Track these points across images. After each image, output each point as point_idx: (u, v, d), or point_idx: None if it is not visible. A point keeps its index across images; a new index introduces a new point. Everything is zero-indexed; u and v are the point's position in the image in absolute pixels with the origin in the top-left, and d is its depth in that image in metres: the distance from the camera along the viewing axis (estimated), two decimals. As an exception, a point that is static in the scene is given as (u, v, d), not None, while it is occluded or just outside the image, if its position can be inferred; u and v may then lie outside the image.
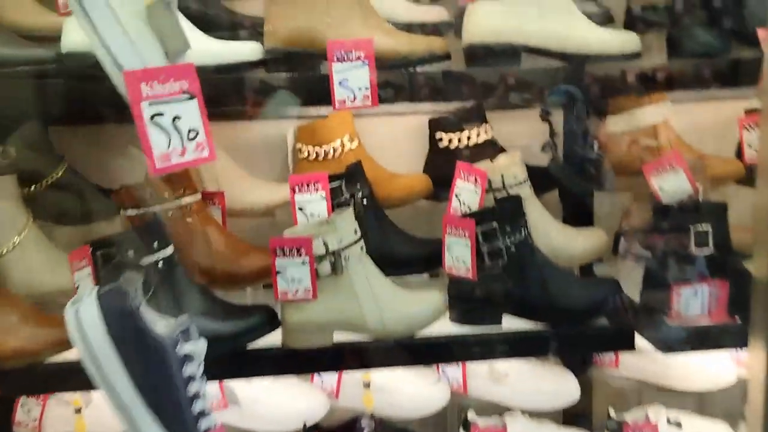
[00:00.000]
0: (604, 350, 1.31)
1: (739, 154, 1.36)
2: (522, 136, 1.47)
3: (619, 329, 1.09)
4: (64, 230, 1.21)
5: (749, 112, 1.40)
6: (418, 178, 1.31)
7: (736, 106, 1.40)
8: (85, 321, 0.67)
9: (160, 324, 0.74)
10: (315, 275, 0.98)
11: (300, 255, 0.97)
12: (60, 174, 1.16)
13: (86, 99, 0.97)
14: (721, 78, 1.11)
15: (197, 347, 0.73)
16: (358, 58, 0.95)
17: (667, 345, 1.11)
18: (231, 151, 1.29)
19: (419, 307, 1.06)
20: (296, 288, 0.99)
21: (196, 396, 0.72)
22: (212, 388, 1.26)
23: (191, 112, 0.64)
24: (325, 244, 0.99)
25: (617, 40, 1.03)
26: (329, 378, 1.34)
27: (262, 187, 1.24)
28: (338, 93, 0.95)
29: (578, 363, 1.40)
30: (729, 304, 1.12)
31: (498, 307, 1.08)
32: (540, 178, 1.36)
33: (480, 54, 1.02)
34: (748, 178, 1.35)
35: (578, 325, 1.08)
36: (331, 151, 1.27)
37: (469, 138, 1.32)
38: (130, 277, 0.71)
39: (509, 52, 1.01)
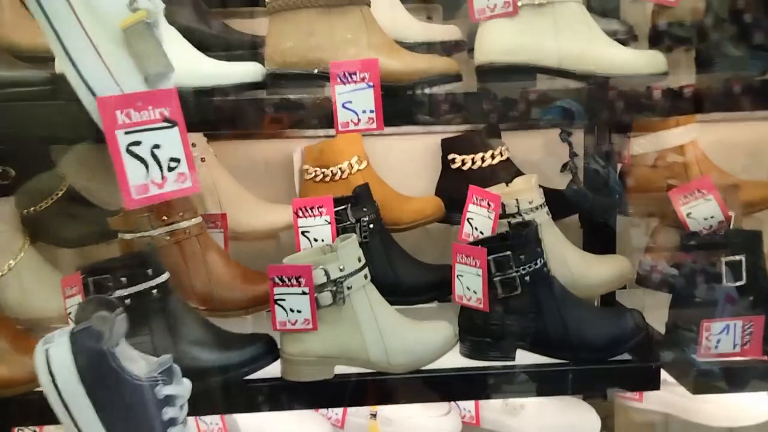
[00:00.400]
0: (627, 389, 1.23)
1: (775, 177, 1.28)
2: (543, 157, 1.41)
3: (643, 367, 1.01)
4: (66, 252, 1.19)
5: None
6: (429, 200, 1.25)
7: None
8: (55, 362, 0.63)
9: (140, 363, 0.69)
10: (315, 305, 0.94)
11: (299, 284, 0.93)
12: (60, 195, 1.14)
13: (87, 119, 0.94)
14: (754, 97, 1.04)
15: (180, 389, 0.69)
16: (363, 79, 0.90)
17: (696, 385, 1.03)
18: (237, 172, 1.26)
19: (427, 339, 1.00)
20: (295, 318, 0.94)
21: (177, 442, 0.68)
22: (213, 417, 1.22)
23: (172, 141, 0.60)
24: (326, 273, 0.94)
25: (642, 59, 0.96)
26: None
27: (266, 210, 1.20)
28: (341, 116, 0.91)
29: (599, 395, 1.32)
30: (765, 341, 1.04)
31: (512, 341, 1.01)
32: (559, 202, 1.30)
33: (493, 74, 0.96)
34: (783, 202, 1.27)
35: (599, 361, 1.01)
36: (339, 173, 1.22)
37: (483, 159, 1.26)
38: (104, 317, 0.67)
39: (524, 72, 0.96)
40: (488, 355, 1.01)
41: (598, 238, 1.29)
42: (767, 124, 1.40)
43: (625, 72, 0.96)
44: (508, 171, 1.27)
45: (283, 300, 0.93)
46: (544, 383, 1.01)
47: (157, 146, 0.60)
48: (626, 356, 1.03)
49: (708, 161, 1.28)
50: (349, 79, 0.90)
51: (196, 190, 0.64)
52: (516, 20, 0.95)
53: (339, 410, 1.28)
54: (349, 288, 0.95)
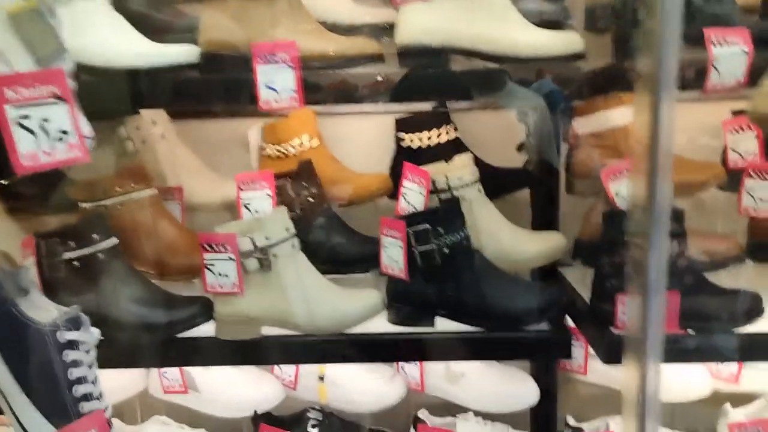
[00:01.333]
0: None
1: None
2: (498, 135, 1.45)
3: (556, 337, 1.06)
4: (41, 220, 1.30)
5: (736, 113, 1.33)
6: (377, 177, 1.31)
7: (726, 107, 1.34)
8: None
9: (52, 313, 0.79)
10: (242, 271, 1.02)
11: (226, 250, 1.01)
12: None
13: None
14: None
15: (84, 335, 0.78)
16: (283, 60, 0.97)
17: (608, 355, 1.07)
18: (200, 149, 1.34)
19: (352, 305, 1.07)
20: (223, 282, 1.02)
21: (79, 381, 0.78)
22: (174, 373, 1.33)
23: (60, 115, 0.69)
24: (253, 241, 1.02)
25: (555, 41, 1.00)
26: (288, 369, 1.37)
27: (220, 184, 1.28)
28: (263, 94, 0.98)
29: (543, 367, 1.37)
30: (683, 316, 1.06)
31: (430, 309, 1.07)
32: (506, 179, 1.34)
33: (411, 55, 1.02)
34: (730, 183, 1.28)
35: (513, 330, 1.06)
36: (291, 150, 1.30)
37: (429, 138, 1.31)
38: (6, 270, 0.77)
39: (438, 54, 1.00)
40: (408, 321, 1.08)
41: (545, 215, 1.33)
42: (723, 105, 1.40)
43: (538, 54, 1.00)
44: (454, 149, 1.32)
45: (213, 265, 1.02)
46: (459, 349, 1.07)
47: (46, 120, 0.69)
48: (544, 326, 1.08)
49: (652, 141, 1.29)
50: (270, 60, 0.97)
51: (86, 160, 0.73)
52: (432, 4, 1.00)
53: (291, 371, 1.37)
54: (275, 256, 1.03)
